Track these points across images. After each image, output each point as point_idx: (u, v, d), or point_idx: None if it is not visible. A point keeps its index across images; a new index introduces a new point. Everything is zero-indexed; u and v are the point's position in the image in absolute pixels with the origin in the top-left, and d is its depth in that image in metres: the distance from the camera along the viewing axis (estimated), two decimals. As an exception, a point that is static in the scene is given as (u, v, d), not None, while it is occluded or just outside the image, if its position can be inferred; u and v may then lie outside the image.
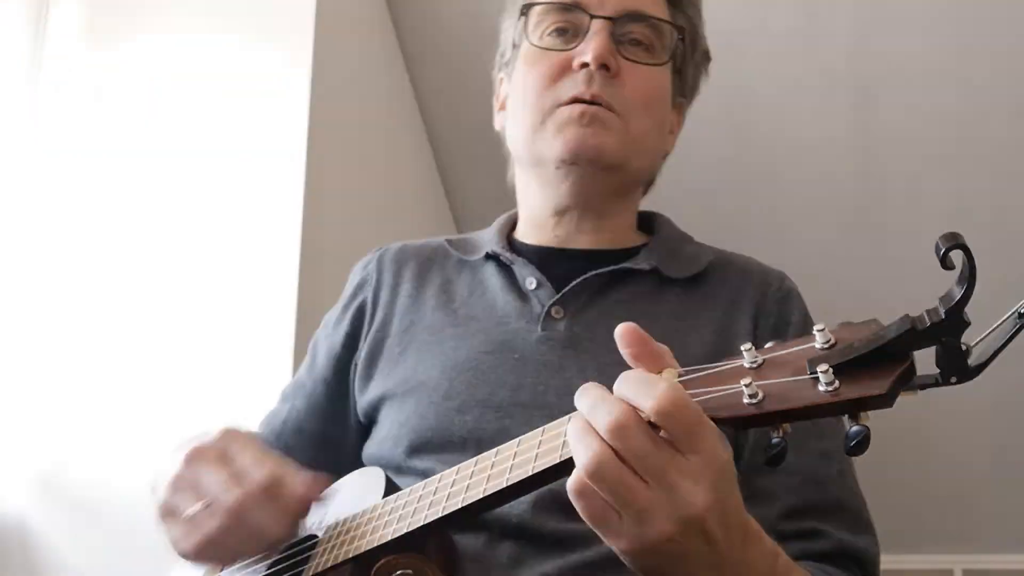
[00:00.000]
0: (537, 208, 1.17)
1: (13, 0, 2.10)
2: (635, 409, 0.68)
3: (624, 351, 0.73)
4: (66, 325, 2.01)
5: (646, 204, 1.24)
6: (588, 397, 0.71)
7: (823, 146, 2.97)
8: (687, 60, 1.18)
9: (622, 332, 0.73)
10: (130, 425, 1.92)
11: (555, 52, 1.12)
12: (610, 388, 0.71)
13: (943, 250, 0.61)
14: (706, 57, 1.21)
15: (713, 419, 0.69)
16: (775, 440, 0.67)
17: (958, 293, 0.61)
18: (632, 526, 0.68)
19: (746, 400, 0.67)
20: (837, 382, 0.64)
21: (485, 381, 1.04)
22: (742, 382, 0.67)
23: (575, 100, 1.09)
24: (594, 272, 1.09)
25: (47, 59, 2.13)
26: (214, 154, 2.07)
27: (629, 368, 0.72)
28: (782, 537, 0.95)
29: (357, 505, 0.94)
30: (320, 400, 1.20)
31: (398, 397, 1.09)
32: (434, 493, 0.85)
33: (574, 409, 0.72)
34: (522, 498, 0.93)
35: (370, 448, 1.12)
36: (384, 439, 1.08)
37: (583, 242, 1.15)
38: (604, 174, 1.11)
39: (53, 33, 2.15)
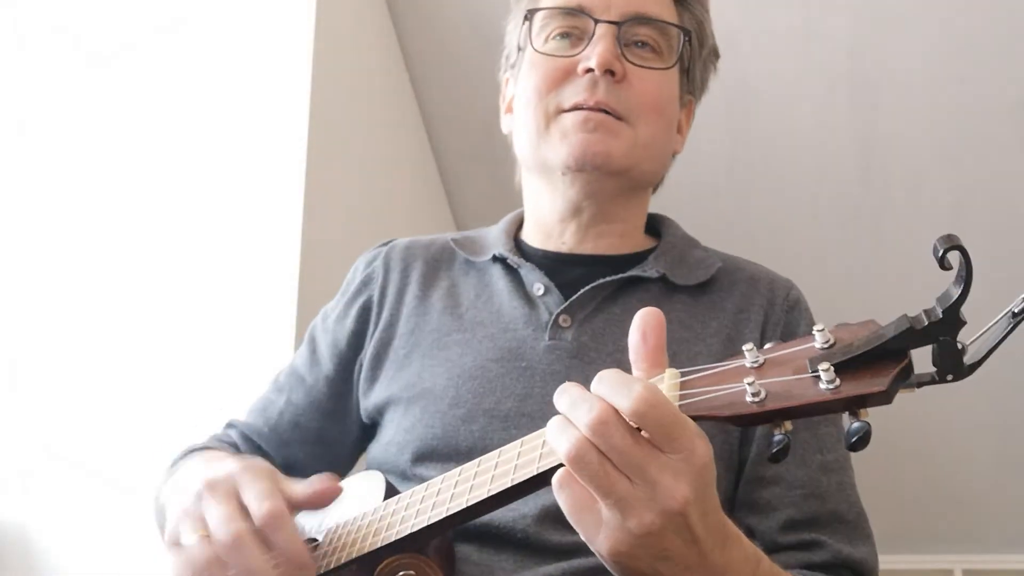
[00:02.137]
0: (545, 213, 1.15)
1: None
2: (614, 407, 0.67)
3: (636, 332, 0.72)
4: (67, 324, 2.01)
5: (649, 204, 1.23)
6: (567, 396, 0.70)
7: (823, 146, 2.97)
8: (695, 59, 1.16)
9: (646, 313, 0.73)
10: (130, 425, 1.92)
11: (559, 57, 1.10)
12: None
13: (941, 251, 0.61)
14: (714, 54, 1.19)
15: (716, 417, 0.69)
16: (777, 438, 0.67)
17: (955, 293, 0.62)
18: (615, 518, 0.67)
19: (749, 398, 0.68)
20: (838, 380, 0.65)
21: (491, 390, 1.03)
22: (745, 381, 0.68)
23: (577, 107, 1.07)
24: (602, 280, 1.07)
25: (46, 56, 2.13)
26: (215, 154, 2.07)
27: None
28: (782, 548, 0.96)
29: (357, 509, 0.94)
30: (321, 398, 1.18)
31: (404, 402, 1.07)
32: (437, 495, 0.85)
33: None
34: (526, 513, 0.94)
35: (374, 451, 1.11)
36: (389, 444, 1.07)
37: (590, 248, 1.14)
38: (611, 179, 1.09)
39: (53, 30, 2.15)
